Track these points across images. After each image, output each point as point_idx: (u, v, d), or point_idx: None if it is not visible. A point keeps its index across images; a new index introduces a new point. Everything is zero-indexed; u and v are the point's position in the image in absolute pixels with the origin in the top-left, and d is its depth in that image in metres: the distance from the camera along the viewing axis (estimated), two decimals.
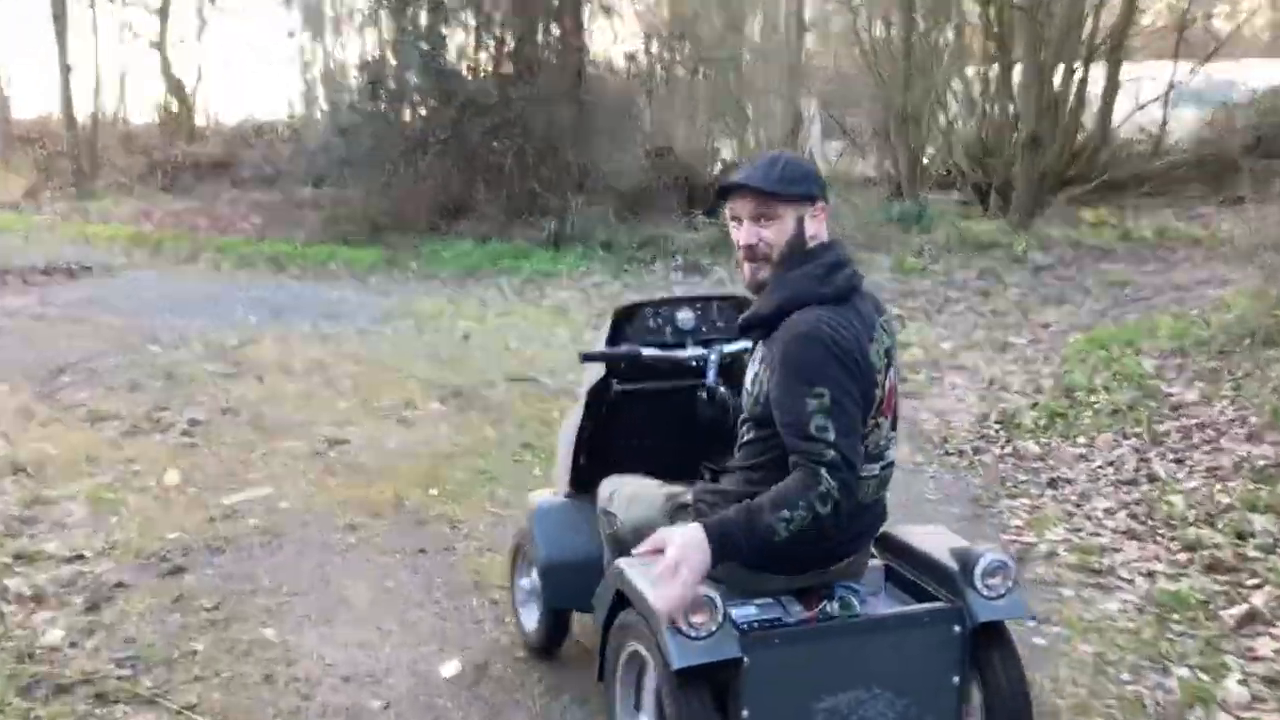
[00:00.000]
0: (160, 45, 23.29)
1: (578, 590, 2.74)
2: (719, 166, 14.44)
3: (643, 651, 2.22)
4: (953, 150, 16.38)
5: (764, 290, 2.21)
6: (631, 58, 13.21)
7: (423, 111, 12.47)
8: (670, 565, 1.99)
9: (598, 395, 2.83)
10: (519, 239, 11.83)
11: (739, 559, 2.05)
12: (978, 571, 2.21)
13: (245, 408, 5.95)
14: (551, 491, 3.13)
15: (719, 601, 2.04)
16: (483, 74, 12.58)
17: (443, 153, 12.09)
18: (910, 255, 11.48)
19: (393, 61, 12.59)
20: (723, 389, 2.68)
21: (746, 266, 2.24)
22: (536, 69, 12.67)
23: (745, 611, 2.19)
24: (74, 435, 5.36)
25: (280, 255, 11.98)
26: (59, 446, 5.15)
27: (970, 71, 15.95)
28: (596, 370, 2.82)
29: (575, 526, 2.89)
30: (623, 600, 2.26)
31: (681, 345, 2.79)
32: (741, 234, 2.21)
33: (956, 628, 2.21)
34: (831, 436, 1.98)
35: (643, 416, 2.87)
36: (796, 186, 2.19)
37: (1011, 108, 14.20)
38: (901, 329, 8.18)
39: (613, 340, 2.81)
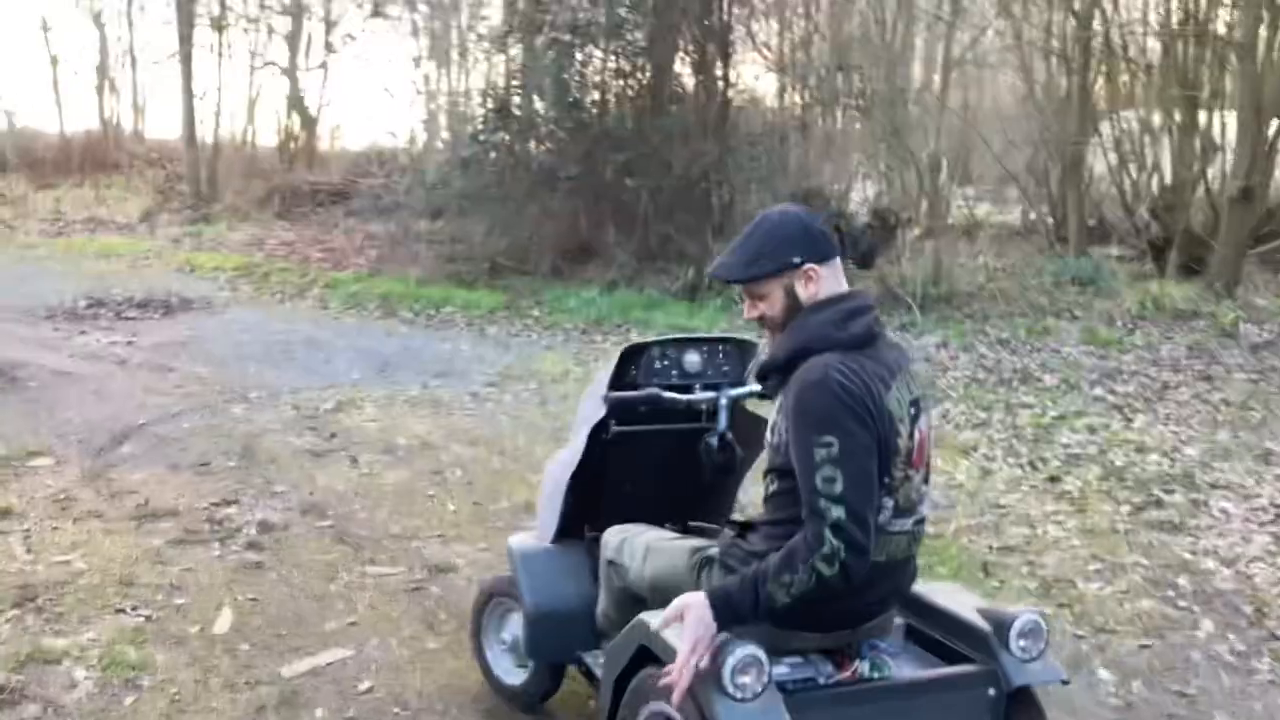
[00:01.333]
0: (289, 71, 22.97)
1: (567, 641, 2.74)
2: (865, 212, 13.03)
3: (671, 714, 2.05)
4: (1126, 201, 14.67)
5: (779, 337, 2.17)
6: (782, 91, 11.92)
7: (551, 144, 11.35)
8: (685, 657, 1.96)
9: (594, 436, 2.72)
10: (650, 288, 10.59)
11: (747, 624, 2.00)
12: (1013, 633, 2.18)
13: (331, 505, 4.78)
14: (533, 536, 2.96)
15: (765, 661, 1.97)
16: (618, 105, 11.41)
17: (572, 190, 10.95)
18: (1100, 324, 9.90)
19: (521, 89, 11.50)
20: (730, 435, 2.64)
21: (765, 332, 2.22)
22: (676, 101, 11.48)
23: (778, 671, 2.08)
24: (113, 542, 4.24)
25: (392, 296, 10.96)
26: (91, 559, 4.03)
27: (1129, 116, 14.42)
28: (595, 409, 2.71)
29: (563, 574, 2.81)
30: (643, 657, 2.19)
31: (688, 388, 2.73)
32: (745, 309, 2.23)
33: (991, 691, 2.18)
34: (838, 489, 1.92)
35: (636, 460, 2.81)
36: (770, 262, 2.13)
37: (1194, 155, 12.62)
38: (1125, 423, 6.67)
39: (618, 379, 2.73)
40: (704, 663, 1.96)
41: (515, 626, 2.96)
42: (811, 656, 2.19)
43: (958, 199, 14.90)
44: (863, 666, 2.18)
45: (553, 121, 11.33)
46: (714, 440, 2.63)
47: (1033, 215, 16.42)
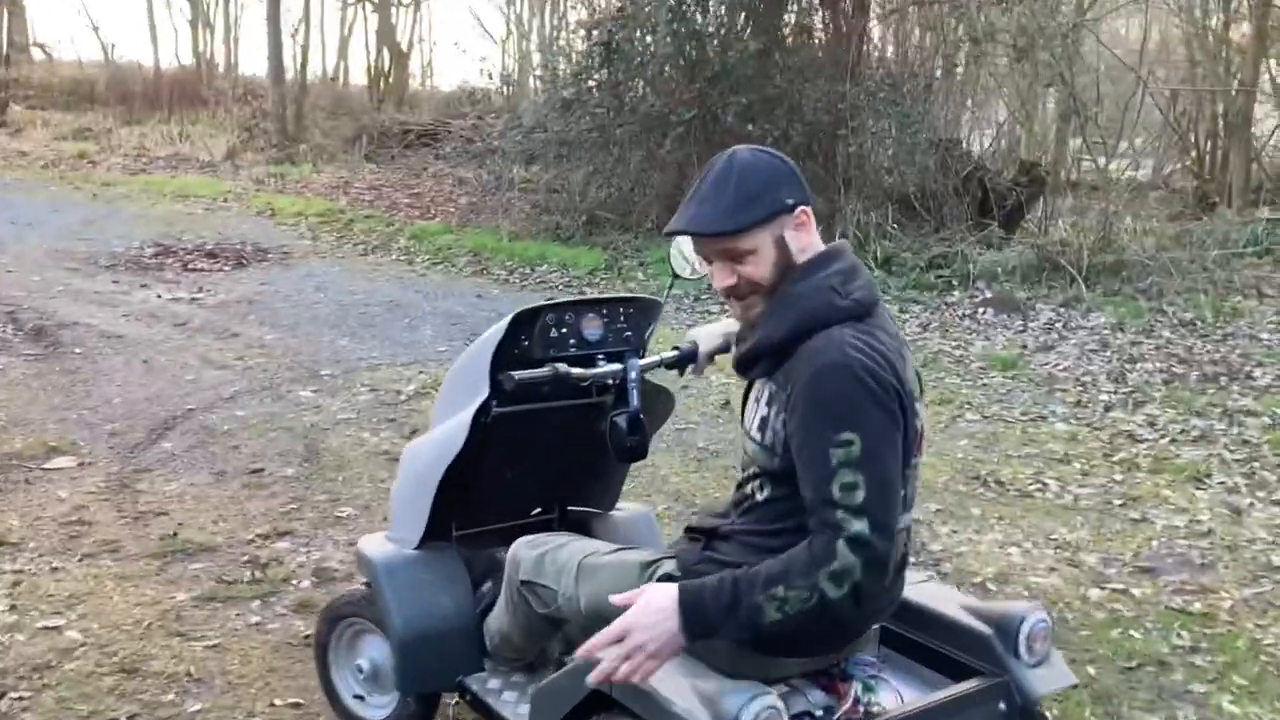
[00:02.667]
0: (380, 6, 22.01)
1: (447, 666, 2.35)
2: (1014, 167, 11.58)
3: None
4: None
5: (763, 316, 1.75)
6: (928, 30, 10.48)
7: (661, 85, 10.12)
8: (616, 634, 1.59)
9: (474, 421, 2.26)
10: None
11: (716, 638, 1.61)
12: (1022, 637, 1.87)
13: None
14: (389, 541, 2.46)
15: (784, 711, 1.62)
16: (740, 42, 10.08)
17: (684, 137, 9.73)
18: None
19: (629, 21, 10.24)
20: (642, 415, 2.21)
21: (734, 305, 1.82)
22: (805, 38, 10.14)
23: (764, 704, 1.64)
24: (124, 594, 3.25)
25: (483, 250, 9.92)
26: (89, 624, 3.04)
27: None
28: (474, 389, 2.30)
29: (437, 585, 2.39)
30: (598, 704, 1.75)
31: (590, 360, 2.31)
32: (715, 276, 1.81)
33: (1002, 704, 1.88)
34: (860, 498, 1.55)
35: (519, 445, 2.44)
36: (760, 206, 1.72)
37: None
38: None
39: (506, 351, 2.27)
40: (641, 674, 1.60)
41: (373, 651, 2.52)
42: (795, 681, 1.84)
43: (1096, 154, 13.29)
44: (855, 688, 1.85)
45: (664, 59, 10.08)
46: (623, 421, 2.20)
47: (1166, 170, 14.82)
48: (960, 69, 10.40)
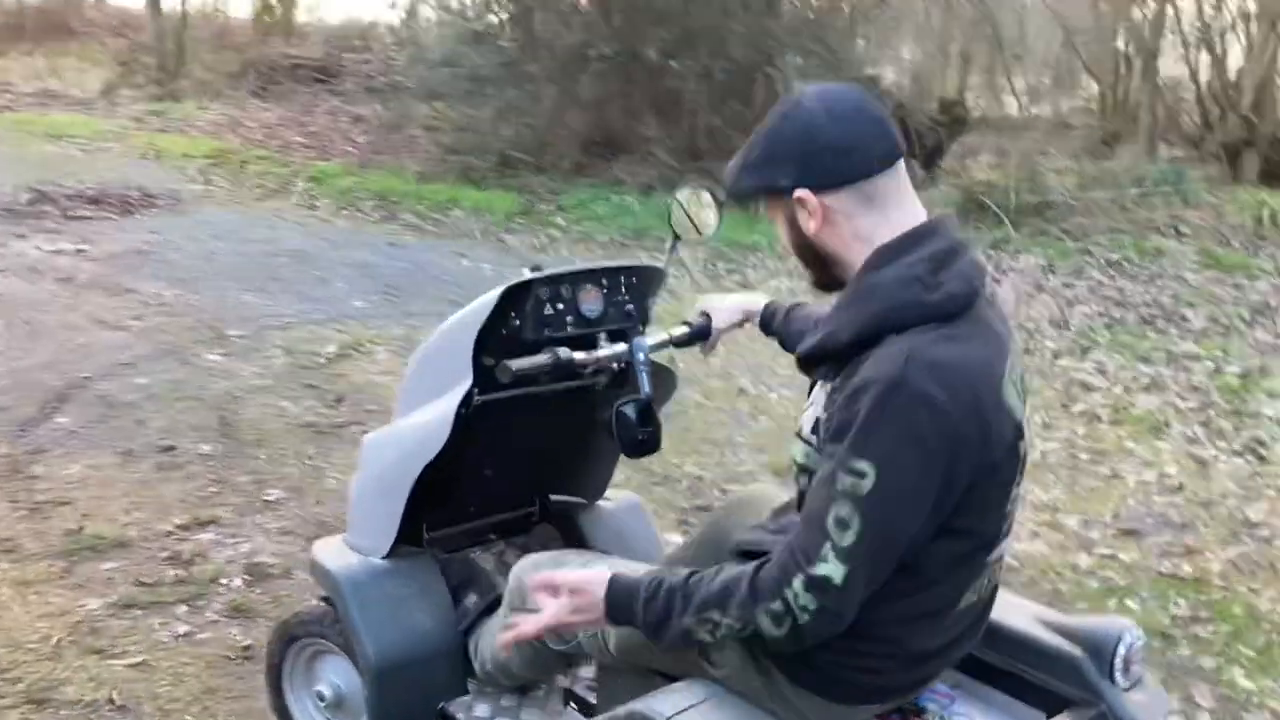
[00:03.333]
0: None
1: (426, 694, 2.05)
2: (933, 105, 11.45)
3: None
4: (1201, 97, 13.17)
5: (840, 298, 1.45)
6: None
7: (578, 17, 9.64)
8: (547, 582, 1.54)
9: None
10: None
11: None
12: (1119, 659, 1.63)
13: None
14: (350, 548, 2.13)
15: None
16: None
17: (603, 73, 9.29)
18: (1213, 244, 8.52)
19: None
20: (653, 402, 1.96)
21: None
22: None
23: None
24: (26, 603, 2.81)
25: (391, 194, 9.36)
26: None
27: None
28: (455, 375, 1.96)
29: (412, 602, 2.07)
30: None
31: (591, 340, 2.01)
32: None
33: None
34: (847, 540, 1.30)
35: (502, 436, 2.11)
36: (755, 176, 1.47)
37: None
38: None
39: (494, 330, 1.94)
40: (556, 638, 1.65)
41: (334, 674, 2.20)
42: None
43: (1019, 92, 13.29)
44: None
45: None
46: (632, 411, 1.94)
47: (1066, 108, 14.93)
48: (881, 4, 10.15)
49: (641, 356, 1.99)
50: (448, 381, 2.02)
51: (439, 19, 12.86)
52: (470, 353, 1.96)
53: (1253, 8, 12.11)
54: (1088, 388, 5.25)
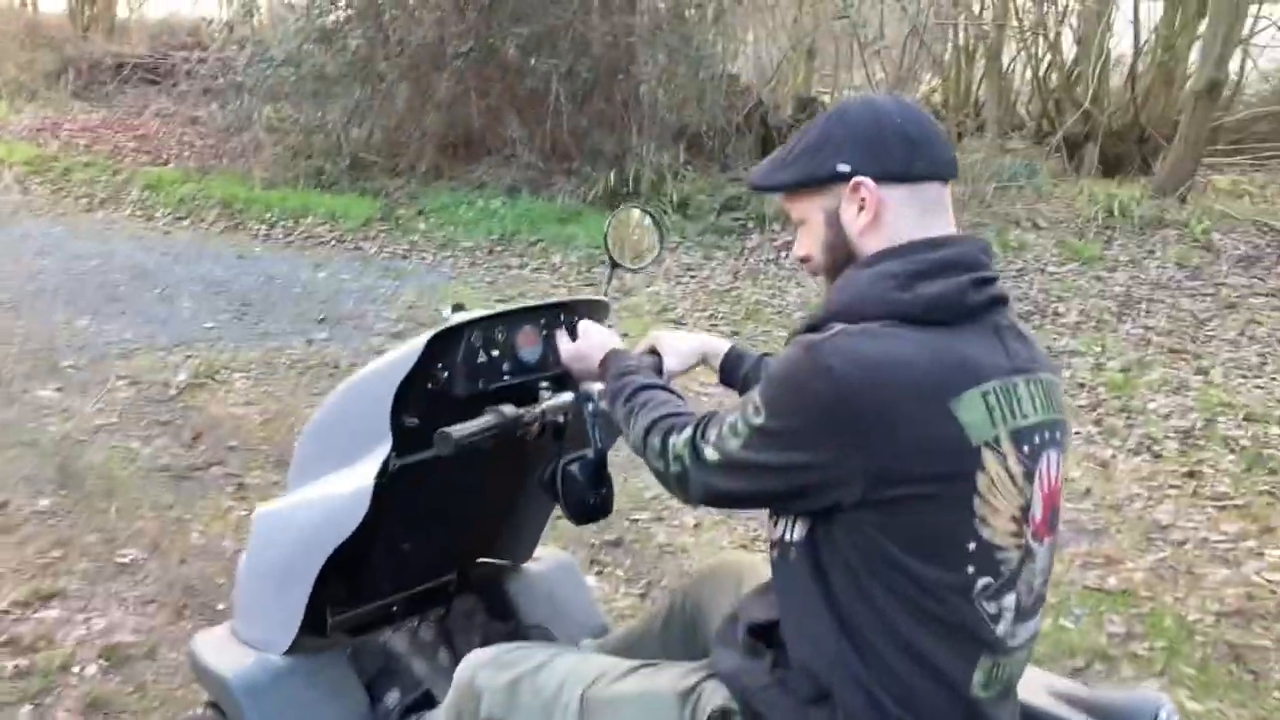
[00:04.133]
0: None
1: None
2: (791, 103, 11.46)
3: None
4: (1043, 91, 13.65)
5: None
6: None
7: (433, 13, 9.20)
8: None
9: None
10: (562, 194, 8.74)
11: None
12: None
13: (218, 588, 2.97)
14: (243, 644, 1.82)
15: None
16: None
17: (460, 70, 8.89)
18: (1069, 235, 8.74)
19: None
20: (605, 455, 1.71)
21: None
22: None
23: None
24: None
25: (235, 201, 8.76)
26: None
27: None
28: (366, 439, 1.66)
29: (320, 707, 1.77)
30: None
31: (530, 390, 1.76)
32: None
33: None
34: (730, 445, 1.31)
35: (422, 502, 1.83)
36: (803, 165, 1.36)
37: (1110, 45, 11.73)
38: (1201, 376, 5.40)
39: (415, 383, 1.66)
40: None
41: None
42: None
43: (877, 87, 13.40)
44: None
45: None
46: (579, 471, 1.70)
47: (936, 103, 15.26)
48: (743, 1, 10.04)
49: (591, 406, 1.72)
50: (359, 447, 1.70)
51: (279, 15, 12.20)
52: (389, 413, 1.65)
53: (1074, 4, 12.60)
54: None
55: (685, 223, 8.39)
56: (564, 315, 1.83)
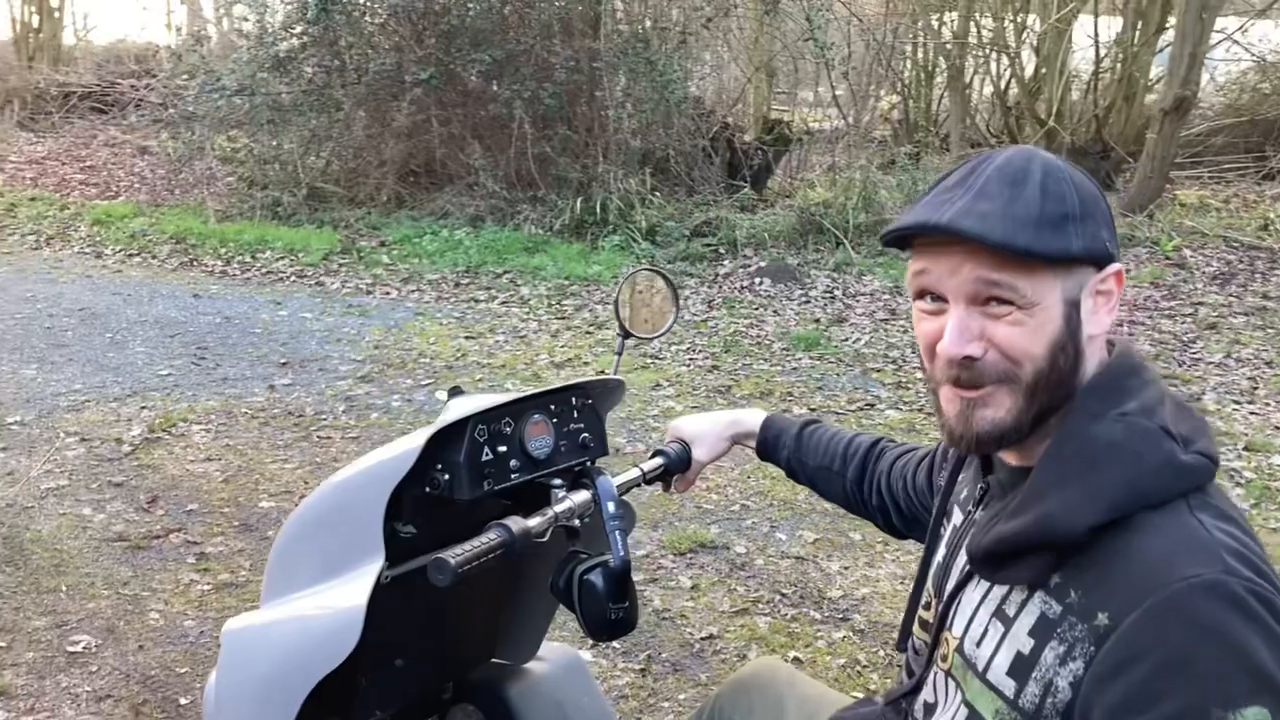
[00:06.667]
0: None
1: None
2: (756, 125, 11.34)
3: None
4: (1007, 107, 13.66)
5: (1031, 462, 1.03)
6: None
7: (388, 40, 8.98)
8: None
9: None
10: (528, 223, 8.52)
11: None
12: None
13: (178, 678, 2.72)
14: None
15: None
16: None
17: (419, 97, 8.65)
18: None
19: None
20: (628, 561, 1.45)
21: (955, 398, 1.03)
22: None
23: None
24: None
25: (189, 236, 8.45)
26: None
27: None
28: (355, 551, 1.43)
29: None
30: None
31: (541, 490, 1.52)
32: (949, 330, 1.01)
33: None
34: None
35: (416, 613, 1.63)
36: (1077, 234, 0.99)
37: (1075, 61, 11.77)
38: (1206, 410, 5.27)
39: (414, 486, 1.45)
40: None
41: None
42: None
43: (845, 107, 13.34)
44: None
45: (392, 9, 8.94)
46: (601, 580, 1.45)
47: (865, 119, 15.21)
48: (707, 24, 9.89)
49: (612, 508, 1.50)
50: (345, 558, 1.48)
51: (231, 43, 11.91)
52: (381, 522, 1.43)
53: (1036, 24, 12.63)
54: None
55: (655, 250, 8.22)
56: (575, 399, 1.62)
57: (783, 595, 3.31)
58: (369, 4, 8.89)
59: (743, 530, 3.75)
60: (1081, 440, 0.98)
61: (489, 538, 1.37)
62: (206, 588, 3.21)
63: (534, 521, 1.44)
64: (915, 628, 1.22)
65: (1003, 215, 0.98)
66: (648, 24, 9.25)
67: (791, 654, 2.97)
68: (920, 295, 1.06)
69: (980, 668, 1.04)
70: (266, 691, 1.54)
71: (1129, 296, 7.66)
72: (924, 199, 1.04)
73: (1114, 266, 1.03)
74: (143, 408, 4.77)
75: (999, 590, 1.04)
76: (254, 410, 4.81)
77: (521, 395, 1.58)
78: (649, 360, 5.82)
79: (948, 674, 1.09)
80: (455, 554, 1.33)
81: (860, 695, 1.57)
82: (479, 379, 5.42)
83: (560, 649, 2.03)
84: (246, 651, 1.59)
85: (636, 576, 3.39)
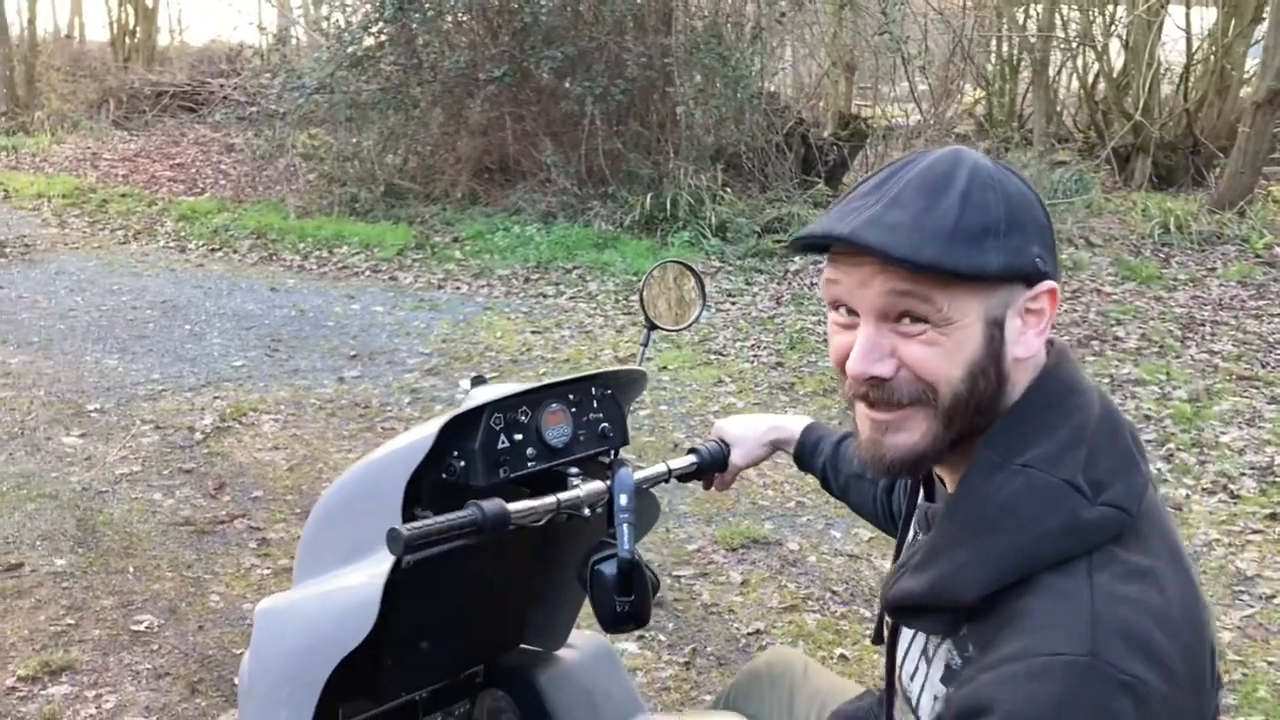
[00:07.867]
0: None
1: None
2: (832, 120, 11.24)
3: None
4: (1093, 103, 13.32)
5: (946, 515, 0.96)
6: None
7: (464, 38, 9.10)
8: None
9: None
10: (598, 219, 8.57)
11: None
12: None
13: (238, 660, 2.81)
14: None
15: None
16: None
17: (493, 95, 8.76)
18: (1126, 253, 8.44)
19: None
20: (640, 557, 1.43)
21: (866, 419, 0.97)
22: None
23: None
24: None
25: (269, 232, 8.68)
26: None
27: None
28: (374, 536, 1.37)
29: None
30: None
31: (558, 477, 1.52)
32: (856, 348, 0.95)
33: None
34: None
35: (439, 597, 1.64)
36: (999, 249, 0.91)
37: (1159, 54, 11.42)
38: (1277, 407, 5.11)
39: (432, 472, 1.48)
40: None
41: None
42: None
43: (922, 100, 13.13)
44: None
45: (463, 9, 9.06)
46: (611, 572, 1.43)
47: (948, 114, 14.94)
48: (781, 18, 9.82)
49: (624, 500, 1.48)
50: (367, 541, 1.51)
51: (312, 42, 12.18)
52: (399, 506, 1.46)
53: (1124, 15, 12.28)
54: None
55: (725, 246, 8.20)
56: (595, 389, 1.63)
57: (833, 593, 3.28)
58: (445, 2, 8.99)
59: (797, 527, 3.72)
60: (976, 499, 0.93)
61: (457, 515, 1.35)
62: (266, 572, 3.30)
63: (518, 506, 1.41)
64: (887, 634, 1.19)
65: (912, 227, 0.91)
66: (721, 18, 9.21)
67: (838, 651, 2.94)
68: (835, 306, 0.99)
69: (914, 704, 1.02)
70: (291, 669, 1.58)
71: (1214, 295, 7.43)
72: (838, 204, 0.98)
73: (1046, 284, 0.95)
74: (216, 397, 4.91)
75: (919, 637, 1.02)
76: (322, 401, 4.92)
77: (539, 385, 1.59)
78: (712, 356, 5.81)
79: (904, 698, 1.07)
80: (413, 527, 1.31)
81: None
82: (543, 372, 5.46)
83: (591, 637, 2.04)
84: (275, 630, 1.64)
85: (686, 570, 3.40)
